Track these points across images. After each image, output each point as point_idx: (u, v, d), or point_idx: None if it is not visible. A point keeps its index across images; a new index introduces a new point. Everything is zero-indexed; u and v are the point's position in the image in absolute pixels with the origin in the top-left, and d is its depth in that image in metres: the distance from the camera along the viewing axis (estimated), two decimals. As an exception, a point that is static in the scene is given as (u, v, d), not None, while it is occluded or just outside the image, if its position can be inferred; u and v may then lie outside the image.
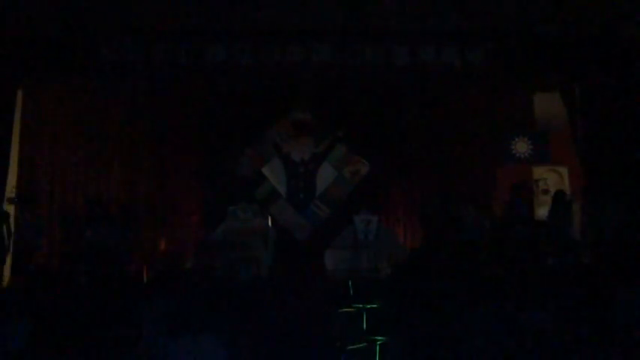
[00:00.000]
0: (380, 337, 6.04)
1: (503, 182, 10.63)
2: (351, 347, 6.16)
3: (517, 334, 2.16)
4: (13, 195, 9.28)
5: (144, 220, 10.29)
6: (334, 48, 9.34)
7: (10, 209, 9.21)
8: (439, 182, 10.81)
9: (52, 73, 9.27)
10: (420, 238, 10.66)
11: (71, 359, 3.00)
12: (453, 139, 10.81)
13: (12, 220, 9.01)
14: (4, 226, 8.47)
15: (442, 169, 10.82)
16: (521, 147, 10.57)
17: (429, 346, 2.02)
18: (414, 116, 10.94)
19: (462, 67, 9.47)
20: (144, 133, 10.53)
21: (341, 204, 10.87)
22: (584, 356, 2.19)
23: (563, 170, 10.27)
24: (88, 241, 8.50)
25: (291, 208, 10.85)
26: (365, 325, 6.96)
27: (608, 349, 2.18)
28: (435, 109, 10.92)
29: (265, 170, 10.91)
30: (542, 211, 10.00)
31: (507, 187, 10.51)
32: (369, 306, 7.12)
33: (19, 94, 9.46)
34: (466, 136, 10.80)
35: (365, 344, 6.23)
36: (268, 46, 9.23)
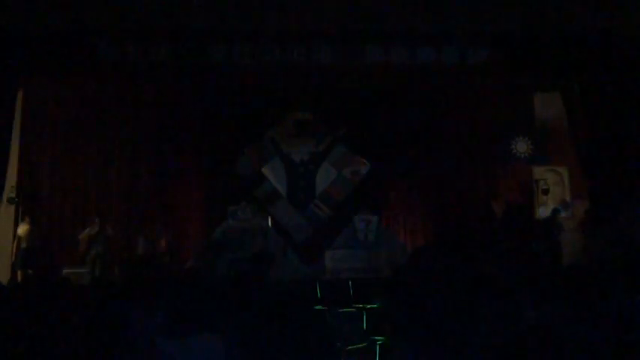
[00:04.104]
0: (380, 337, 6.04)
1: (503, 182, 10.65)
2: (351, 347, 6.16)
3: (518, 335, 2.16)
4: (13, 195, 9.29)
5: (144, 220, 10.28)
6: (334, 48, 9.34)
7: (11, 209, 9.23)
8: (439, 182, 10.81)
9: (52, 73, 9.27)
10: (420, 237, 10.66)
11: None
12: (453, 139, 10.81)
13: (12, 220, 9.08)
14: None
15: (442, 169, 10.81)
16: (521, 147, 10.58)
17: (429, 347, 2.02)
18: (414, 116, 10.92)
19: (462, 67, 9.47)
20: (144, 133, 10.51)
21: (341, 204, 10.86)
22: (584, 356, 2.19)
23: (563, 170, 10.27)
24: None
25: (291, 208, 10.83)
26: (365, 325, 6.95)
27: (607, 350, 2.18)
28: (435, 109, 10.91)
29: (265, 170, 10.90)
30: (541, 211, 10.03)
31: (507, 186, 10.54)
32: (369, 306, 7.11)
33: (19, 94, 9.47)
34: (466, 136, 10.79)
35: (365, 344, 6.23)
36: (268, 46, 9.23)
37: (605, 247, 8.32)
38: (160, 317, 2.99)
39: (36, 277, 8.04)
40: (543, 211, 10.00)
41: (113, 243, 9.49)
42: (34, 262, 8.83)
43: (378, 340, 6.04)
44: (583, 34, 9.33)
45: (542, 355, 2.18)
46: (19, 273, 8.71)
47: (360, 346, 6.23)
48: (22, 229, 8.99)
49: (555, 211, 9.63)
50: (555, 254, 8.89)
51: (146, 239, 9.41)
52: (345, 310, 7.18)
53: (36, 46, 8.82)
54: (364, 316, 7.06)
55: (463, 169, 10.72)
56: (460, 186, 10.66)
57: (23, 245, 8.83)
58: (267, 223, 10.05)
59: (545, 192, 10.11)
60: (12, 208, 9.31)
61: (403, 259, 9.22)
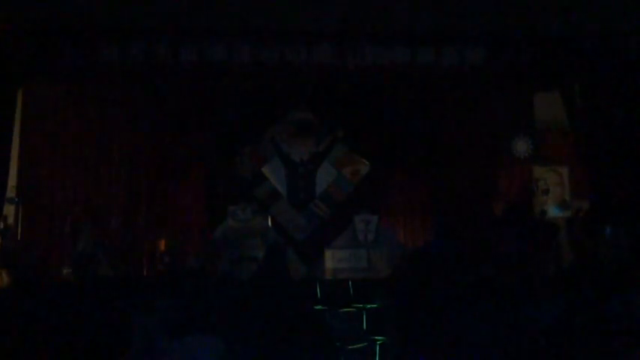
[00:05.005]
0: (380, 337, 6.04)
1: (503, 182, 10.65)
2: (351, 347, 6.17)
3: (518, 334, 2.16)
4: (13, 195, 9.29)
5: (144, 220, 10.29)
6: (334, 48, 9.35)
7: (10, 209, 9.23)
8: (439, 182, 10.81)
9: (52, 73, 9.27)
10: (420, 237, 10.66)
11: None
12: (453, 139, 10.80)
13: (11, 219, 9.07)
14: None
15: (442, 169, 10.81)
16: (521, 147, 10.58)
17: (429, 346, 2.02)
18: (414, 116, 10.92)
19: (462, 67, 9.47)
20: (144, 133, 10.51)
21: (341, 204, 10.86)
22: (584, 356, 2.19)
23: (563, 170, 10.27)
24: None
25: (291, 208, 10.83)
26: (365, 325, 6.96)
27: (607, 350, 2.18)
28: (435, 109, 10.90)
29: (265, 170, 10.90)
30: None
31: (507, 186, 10.53)
32: (369, 306, 7.12)
33: (19, 94, 9.47)
34: (466, 136, 10.79)
35: (365, 344, 6.24)
36: (268, 46, 9.24)
37: (604, 248, 8.33)
38: (159, 317, 2.99)
39: (35, 277, 8.02)
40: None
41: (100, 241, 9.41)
42: (11, 262, 8.77)
43: (378, 340, 6.05)
44: (583, 34, 9.34)
45: (541, 355, 2.18)
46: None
47: (360, 346, 6.23)
48: None
49: (542, 213, 9.63)
50: (555, 255, 8.89)
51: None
52: (345, 310, 7.19)
53: (36, 46, 8.82)
54: (364, 316, 7.06)
55: (463, 169, 10.70)
56: (460, 186, 10.65)
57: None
58: (267, 223, 10.05)
59: (545, 192, 10.11)
60: (12, 208, 9.30)
61: (403, 259, 9.22)
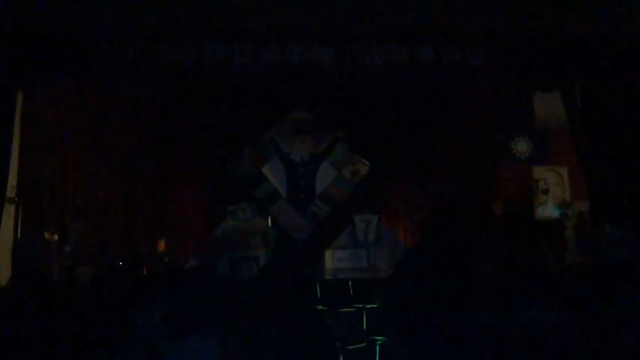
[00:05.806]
0: (380, 337, 6.04)
1: (503, 182, 10.64)
2: (351, 347, 6.16)
3: (518, 334, 2.16)
4: (13, 195, 9.29)
5: (144, 220, 10.29)
6: (335, 48, 9.35)
7: (11, 209, 9.22)
8: (439, 182, 10.80)
9: (52, 73, 9.27)
10: (420, 237, 10.66)
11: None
12: (453, 139, 10.80)
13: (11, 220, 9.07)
14: None
15: (442, 169, 10.80)
16: (521, 147, 10.58)
17: (429, 346, 2.02)
18: (414, 116, 10.92)
19: (462, 67, 9.47)
20: (144, 133, 10.51)
21: (341, 204, 10.86)
22: (584, 356, 2.19)
23: (563, 170, 10.27)
24: None
25: (291, 208, 10.83)
26: (365, 325, 6.96)
27: (607, 352, 2.18)
28: (435, 109, 10.90)
29: (265, 170, 10.91)
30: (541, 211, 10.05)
31: (507, 186, 10.53)
32: (369, 306, 7.12)
33: (19, 94, 9.47)
34: (466, 136, 10.78)
35: (365, 344, 6.23)
36: (268, 46, 9.24)
37: (604, 248, 8.33)
38: (159, 317, 2.98)
39: (36, 277, 8.00)
40: (542, 211, 10.01)
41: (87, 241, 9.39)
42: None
43: (378, 340, 6.05)
44: (583, 33, 9.34)
45: (541, 356, 2.17)
46: None
47: (360, 346, 6.23)
48: None
49: (563, 215, 9.67)
50: (557, 255, 8.90)
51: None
52: (345, 310, 7.18)
53: (36, 46, 8.82)
54: (364, 316, 7.06)
55: (463, 168, 10.70)
56: (460, 186, 10.65)
57: None
58: (267, 223, 10.05)
59: (545, 192, 10.11)
60: (12, 208, 9.30)
61: (403, 258, 9.20)
